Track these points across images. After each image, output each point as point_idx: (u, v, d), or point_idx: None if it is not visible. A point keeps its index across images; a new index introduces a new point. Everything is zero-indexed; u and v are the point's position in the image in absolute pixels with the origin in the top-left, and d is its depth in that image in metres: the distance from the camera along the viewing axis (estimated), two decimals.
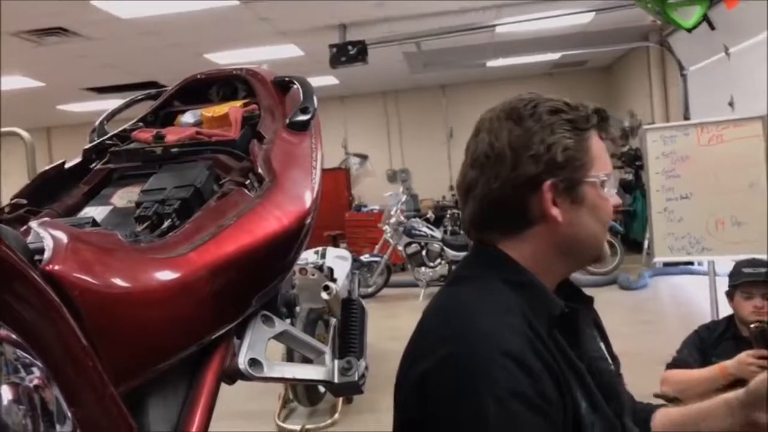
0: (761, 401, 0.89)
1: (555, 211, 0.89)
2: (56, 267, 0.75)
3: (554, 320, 0.87)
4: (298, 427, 3.77)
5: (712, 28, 4.08)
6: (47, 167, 1.39)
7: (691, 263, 6.41)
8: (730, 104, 5.84)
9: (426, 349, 0.85)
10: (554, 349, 0.85)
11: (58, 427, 0.71)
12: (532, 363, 0.80)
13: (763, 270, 2.41)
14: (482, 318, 0.84)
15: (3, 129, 3.02)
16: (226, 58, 7.13)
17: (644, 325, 5.07)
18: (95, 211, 1.24)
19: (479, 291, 0.90)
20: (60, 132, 11.28)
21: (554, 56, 8.71)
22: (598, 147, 0.92)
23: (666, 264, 6.45)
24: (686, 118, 6.65)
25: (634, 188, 8.46)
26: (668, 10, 3.91)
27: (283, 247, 1.17)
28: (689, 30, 4.05)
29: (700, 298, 5.33)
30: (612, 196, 0.94)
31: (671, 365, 2.44)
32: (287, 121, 1.44)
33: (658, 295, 6.56)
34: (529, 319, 0.85)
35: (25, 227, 1.08)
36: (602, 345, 1.00)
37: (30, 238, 0.84)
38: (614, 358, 1.03)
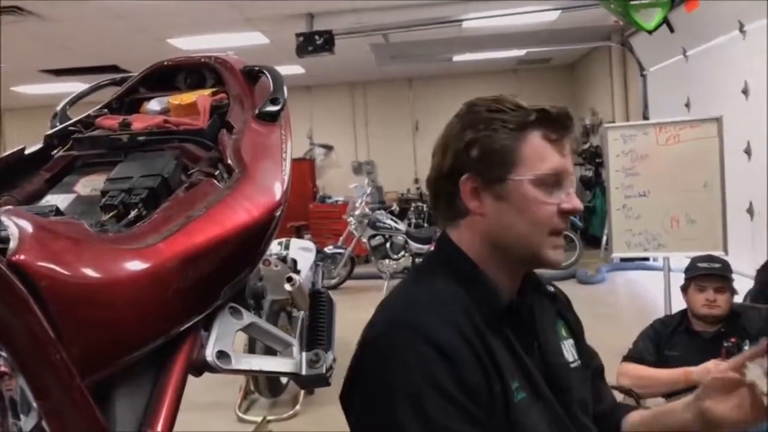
0: (713, 392, 0.93)
1: (473, 204, 0.93)
2: (22, 257, 0.73)
3: (499, 313, 0.91)
4: (259, 419, 3.76)
5: (672, 30, 4.19)
6: (5, 153, 1.35)
7: (647, 259, 6.61)
8: (687, 105, 6.02)
9: (365, 337, 0.92)
10: (494, 340, 0.88)
11: (22, 417, 0.70)
12: (455, 349, 0.84)
13: (717, 265, 2.51)
14: (413, 308, 0.90)
15: None
16: (190, 44, 6.98)
17: (601, 318, 5.20)
18: (58, 199, 1.21)
19: (424, 283, 0.96)
20: (14, 115, 10.87)
21: (519, 53, 8.82)
22: (535, 147, 0.91)
23: (623, 259, 6.64)
24: (645, 117, 6.84)
25: (593, 185, 8.66)
26: (631, 11, 3.99)
27: (252, 239, 1.16)
28: (650, 32, 4.15)
29: (654, 292, 5.51)
30: (564, 199, 0.91)
31: (627, 357, 2.52)
32: (257, 111, 1.43)
33: (615, 290, 6.75)
34: (469, 309, 0.89)
35: None
36: (570, 341, 1.03)
37: None
38: (586, 352, 1.06)
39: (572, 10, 6.18)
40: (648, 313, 3.94)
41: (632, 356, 2.50)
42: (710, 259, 2.58)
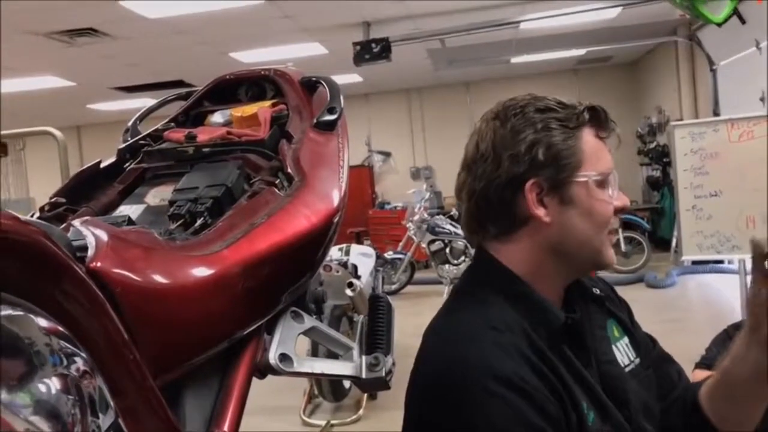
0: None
1: (540, 212, 0.87)
2: (99, 264, 0.78)
3: (556, 331, 0.87)
4: (323, 423, 3.81)
5: (743, 22, 4.00)
6: (83, 167, 1.43)
7: (721, 261, 6.31)
8: (762, 99, 5.72)
9: (423, 376, 0.86)
10: (557, 361, 0.84)
11: (100, 415, 0.75)
12: (527, 381, 0.79)
13: None
14: (471, 343, 0.82)
15: (36, 128, 3.11)
16: (251, 57, 7.19)
17: (672, 324, 5.00)
18: (130, 210, 1.28)
19: (474, 308, 0.89)
20: (90, 130, 11.50)
21: (579, 52, 8.62)
22: (592, 146, 0.89)
23: (695, 262, 6.36)
24: (716, 113, 6.54)
25: (661, 185, 8.35)
26: (697, 4, 3.84)
27: (312, 245, 1.19)
28: (719, 24, 3.98)
29: (729, 296, 5.25)
30: (615, 197, 0.91)
31: (700, 364, 2.41)
32: (315, 121, 1.46)
33: (687, 294, 6.46)
34: (528, 333, 0.84)
35: (64, 225, 1.12)
36: (624, 340, 0.99)
37: (70, 236, 0.88)
38: (642, 341, 1.02)
39: (634, 6, 5.99)
40: (722, 318, 3.76)
41: (705, 363, 2.39)
42: None
